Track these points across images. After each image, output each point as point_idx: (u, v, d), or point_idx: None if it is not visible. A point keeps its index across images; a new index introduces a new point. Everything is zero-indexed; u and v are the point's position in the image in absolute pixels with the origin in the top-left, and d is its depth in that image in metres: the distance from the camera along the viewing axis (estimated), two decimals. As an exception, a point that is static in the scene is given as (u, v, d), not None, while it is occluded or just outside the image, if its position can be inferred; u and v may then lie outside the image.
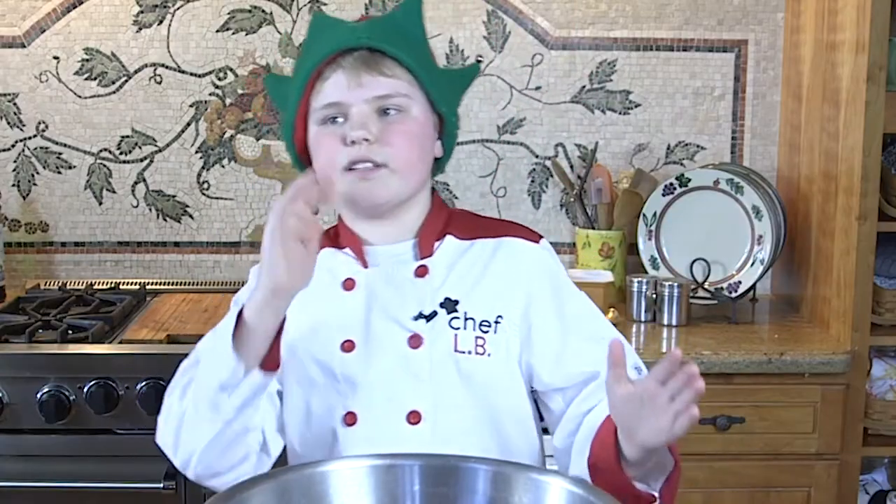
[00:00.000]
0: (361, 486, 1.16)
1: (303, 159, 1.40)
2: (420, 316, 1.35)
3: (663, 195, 2.51)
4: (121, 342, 2.18)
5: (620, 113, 2.67)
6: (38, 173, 2.65)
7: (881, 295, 2.28)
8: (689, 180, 2.49)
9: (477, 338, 1.34)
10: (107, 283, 2.63)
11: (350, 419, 1.33)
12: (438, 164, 1.43)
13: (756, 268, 2.43)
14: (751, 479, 2.22)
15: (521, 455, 1.38)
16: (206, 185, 2.67)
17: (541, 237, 1.44)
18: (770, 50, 2.66)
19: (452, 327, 1.35)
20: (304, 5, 2.61)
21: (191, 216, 2.69)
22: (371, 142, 1.31)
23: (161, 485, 2.07)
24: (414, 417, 1.32)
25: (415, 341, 1.34)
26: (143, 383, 2.07)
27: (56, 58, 2.61)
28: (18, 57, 2.61)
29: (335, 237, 1.43)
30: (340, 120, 1.33)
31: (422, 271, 1.37)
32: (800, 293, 2.51)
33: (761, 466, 2.22)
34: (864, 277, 2.21)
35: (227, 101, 2.64)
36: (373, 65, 1.32)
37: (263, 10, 2.61)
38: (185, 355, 2.10)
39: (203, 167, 2.67)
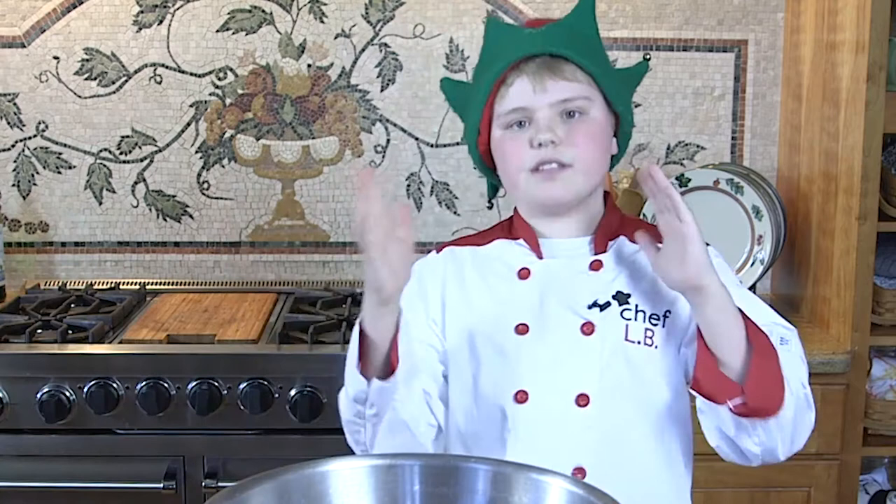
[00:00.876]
0: (361, 486, 1.16)
1: (485, 160, 1.47)
2: (594, 305, 1.39)
3: (663, 195, 2.51)
4: (121, 342, 2.18)
5: (620, 113, 2.67)
6: (38, 173, 2.65)
7: (881, 295, 2.28)
8: (689, 180, 2.49)
9: (646, 329, 1.39)
10: (107, 283, 2.63)
11: (521, 397, 1.37)
12: (612, 161, 1.48)
13: (756, 268, 2.44)
14: (751, 479, 2.22)
15: (675, 453, 1.43)
16: (206, 185, 2.68)
17: (707, 243, 1.48)
18: (770, 50, 2.66)
19: (624, 318, 1.39)
20: (304, 5, 2.61)
21: (191, 216, 2.69)
22: (557, 144, 1.36)
23: (161, 485, 2.07)
24: (582, 400, 1.36)
25: (588, 328, 1.38)
26: (143, 383, 2.07)
27: (56, 58, 2.61)
28: (18, 57, 2.61)
29: (508, 229, 1.49)
30: (525, 124, 1.38)
31: (597, 265, 1.42)
32: (800, 293, 2.51)
33: (761, 466, 2.22)
34: (864, 277, 2.21)
35: (227, 101, 2.64)
36: (556, 69, 1.37)
37: (263, 10, 2.61)
38: (185, 355, 2.12)
39: (203, 167, 2.67)
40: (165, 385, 2.08)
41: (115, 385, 2.07)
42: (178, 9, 2.60)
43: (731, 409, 1.30)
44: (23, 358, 2.10)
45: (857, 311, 2.21)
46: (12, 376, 2.08)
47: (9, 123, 2.63)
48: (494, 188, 1.53)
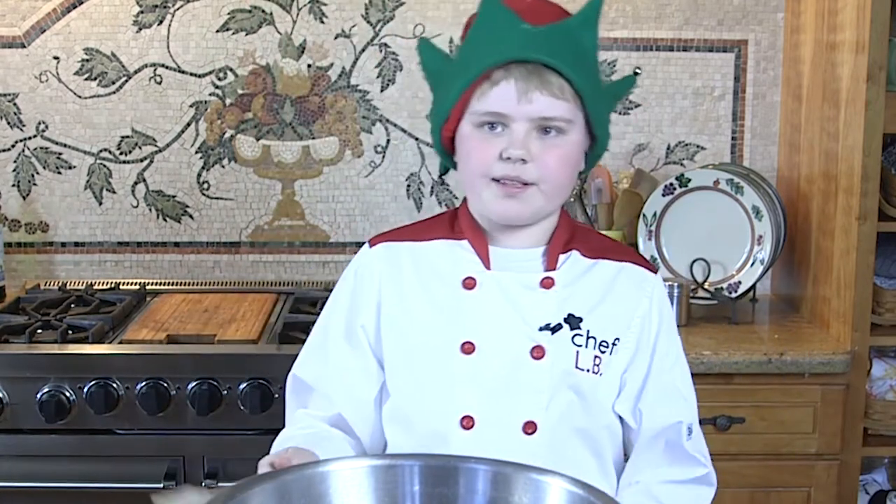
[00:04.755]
0: (361, 486, 1.16)
1: (446, 147, 1.37)
2: (546, 327, 1.34)
3: (663, 195, 2.51)
4: (121, 342, 2.18)
5: (620, 113, 2.67)
6: (38, 173, 2.65)
7: (881, 295, 2.28)
8: (689, 180, 2.49)
9: (595, 357, 1.34)
10: (107, 283, 2.63)
11: (467, 423, 1.32)
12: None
13: (756, 268, 2.43)
14: (751, 479, 2.22)
15: (608, 463, 1.40)
16: (206, 185, 2.68)
17: (657, 269, 1.44)
18: (770, 50, 2.66)
19: (575, 344, 1.34)
20: (304, 5, 2.61)
21: (191, 216, 2.69)
22: (527, 162, 1.29)
23: (161, 485, 2.07)
24: (529, 428, 1.32)
25: (538, 352, 1.33)
26: (143, 383, 2.07)
27: (56, 58, 2.61)
28: (18, 57, 2.61)
29: (451, 225, 1.40)
30: (498, 128, 1.30)
31: (548, 283, 1.35)
32: (800, 293, 2.51)
33: (761, 466, 2.22)
34: (864, 277, 2.21)
35: (227, 101, 2.64)
36: (546, 82, 1.27)
37: (263, 10, 2.61)
38: (185, 355, 2.12)
39: (203, 167, 2.67)
40: (165, 385, 2.08)
41: (115, 385, 2.07)
42: (178, 9, 2.60)
43: None
44: (23, 358, 2.09)
45: (857, 311, 2.21)
46: (12, 376, 2.08)
47: (9, 123, 2.63)
48: (447, 168, 1.43)
